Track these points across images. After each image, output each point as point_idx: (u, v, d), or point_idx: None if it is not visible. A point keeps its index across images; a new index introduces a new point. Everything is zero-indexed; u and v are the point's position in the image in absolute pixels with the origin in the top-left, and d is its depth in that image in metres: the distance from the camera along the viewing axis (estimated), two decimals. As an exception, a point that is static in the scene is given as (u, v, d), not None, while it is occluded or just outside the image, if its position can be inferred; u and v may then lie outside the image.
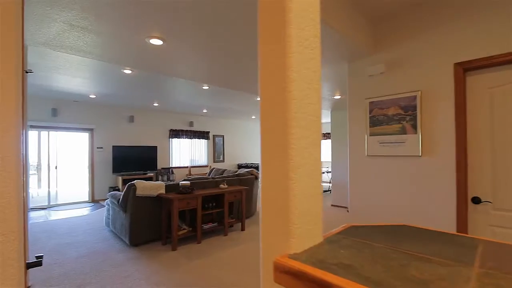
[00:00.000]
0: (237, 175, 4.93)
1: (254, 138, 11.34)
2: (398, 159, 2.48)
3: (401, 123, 2.46)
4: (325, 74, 3.52)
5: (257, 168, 9.51)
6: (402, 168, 2.45)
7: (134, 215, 3.53)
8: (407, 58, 2.44)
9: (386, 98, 2.57)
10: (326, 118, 9.84)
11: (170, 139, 8.58)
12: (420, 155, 2.35)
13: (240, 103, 6.96)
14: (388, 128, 2.55)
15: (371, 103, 2.67)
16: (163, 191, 3.70)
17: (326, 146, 11.79)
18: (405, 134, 2.45)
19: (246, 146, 11.00)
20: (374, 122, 2.64)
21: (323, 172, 8.09)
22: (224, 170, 6.51)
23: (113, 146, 7.02)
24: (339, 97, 4.66)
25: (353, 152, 2.80)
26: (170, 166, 8.54)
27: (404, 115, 2.44)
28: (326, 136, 11.48)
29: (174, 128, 8.64)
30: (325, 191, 8.34)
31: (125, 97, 6.15)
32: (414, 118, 2.40)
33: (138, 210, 3.57)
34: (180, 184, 3.73)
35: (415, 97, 2.40)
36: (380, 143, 2.60)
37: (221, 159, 9.99)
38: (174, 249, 3.47)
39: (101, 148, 7.08)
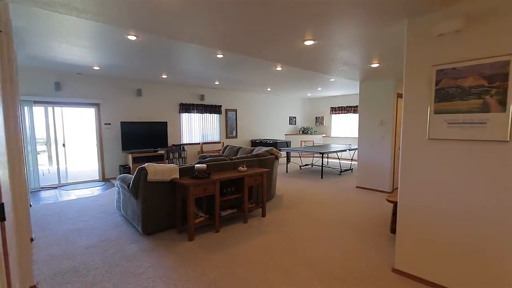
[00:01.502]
0: (256, 156, 4.49)
1: (269, 112, 10.75)
2: (475, 145, 1.95)
3: (483, 98, 1.90)
4: (362, 35, 2.88)
5: (272, 145, 9.06)
6: (481, 157, 1.92)
7: (146, 202, 3.19)
8: (498, 9, 1.80)
9: (462, 64, 1.98)
10: (351, 89, 9.08)
11: (180, 114, 8.12)
12: (509, 139, 1.81)
13: (256, 74, 6.34)
14: (463, 104, 1.99)
15: (439, 71, 2.08)
16: (177, 175, 3.31)
17: (349, 120, 11.15)
18: (488, 112, 1.90)
19: (260, 121, 10.47)
20: (442, 96, 2.08)
21: (344, 150, 7.59)
22: (239, 148, 6.08)
23: (121, 122, 6.63)
24: (376, 65, 4.00)
25: (407, 134, 2.27)
26: (181, 142, 8.18)
27: (488, 87, 1.86)
28: (350, 109, 10.78)
29: (184, 102, 8.14)
30: (344, 170, 7.88)
31: (131, 68, 5.62)
32: (502, 92, 1.83)
33: (150, 196, 3.21)
34: (195, 167, 3.32)
35: (506, 63, 1.81)
36: (449, 123, 2.05)
37: (234, 134, 9.55)
38: (191, 239, 3.15)
39: (109, 124, 6.71)
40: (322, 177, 6.86)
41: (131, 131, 6.79)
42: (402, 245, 2.40)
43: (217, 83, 7.55)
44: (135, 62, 5.04)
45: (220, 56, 4.43)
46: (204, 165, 3.36)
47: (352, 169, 8.07)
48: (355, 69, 4.49)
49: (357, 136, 11.07)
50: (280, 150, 7.93)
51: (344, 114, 11.11)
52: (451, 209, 2.06)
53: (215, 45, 3.27)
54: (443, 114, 2.04)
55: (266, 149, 4.91)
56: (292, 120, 11.92)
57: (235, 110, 9.54)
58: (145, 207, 3.18)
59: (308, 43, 3.02)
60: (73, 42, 3.81)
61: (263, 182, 3.89)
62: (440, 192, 2.10)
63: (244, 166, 3.80)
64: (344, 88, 8.72)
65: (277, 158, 4.79)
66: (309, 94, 10.59)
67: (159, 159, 7.08)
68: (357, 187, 5.85)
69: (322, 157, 6.83)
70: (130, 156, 6.64)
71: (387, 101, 5.26)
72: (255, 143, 9.81)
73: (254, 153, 5.32)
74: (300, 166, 8.50)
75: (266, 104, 10.66)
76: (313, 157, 10.03)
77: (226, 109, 9.24)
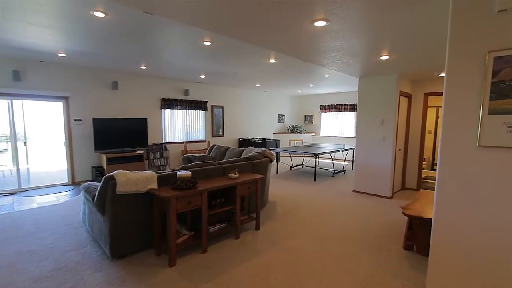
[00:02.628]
0: (248, 159, 3.95)
1: (257, 109, 10.21)
2: (549, 157, 1.50)
3: (561, 96, 1.44)
4: (382, 17, 2.41)
5: (260, 144, 8.54)
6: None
7: (115, 219, 2.57)
8: None
9: (532, 51, 1.52)
10: (343, 86, 8.69)
11: (162, 110, 7.42)
12: None
13: (246, 67, 5.78)
14: (531, 103, 1.53)
15: (497, 59, 1.62)
16: (155, 185, 2.71)
17: (339, 119, 10.79)
18: None
19: (248, 119, 9.91)
20: (501, 91, 1.62)
21: (338, 151, 7.20)
22: (227, 148, 5.51)
23: (93, 118, 5.87)
24: (386, 57, 3.55)
25: (449, 139, 1.81)
26: (163, 141, 7.49)
27: None
28: (340, 108, 10.43)
29: (166, 97, 7.44)
30: (337, 171, 7.50)
31: (104, 57, 4.89)
32: None
33: (120, 211, 2.60)
34: (177, 175, 2.73)
35: None
36: (510, 126, 1.60)
37: (220, 133, 8.95)
38: (172, 264, 2.57)
39: (80, 120, 5.93)
40: (315, 179, 6.43)
41: (106, 128, 6.04)
42: (435, 276, 1.94)
43: (202, 76, 6.91)
44: (109, 49, 4.34)
45: (207, 43, 3.84)
46: (188, 173, 2.78)
47: (345, 170, 7.71)
48: (359, 62, 4.04)
49: (347, 136, 10.93)
50: (270, 150, 7.44)
51: (334, 112, 10.77)
52: (508, 243, 1.61)
53: (205, 24, 2.68)
54: (502, 115, 1.59)
55: (258, 151, 4.38)
56: (280, 118, 11.45)
57: (222, 107, 8.94)
58: (113, 226, 2.57)
59: (319, 24, 2.50)
60: (31, 21, 3.09)
61: (257, 190, 3.36)
62: (492, 216, 1.65)
63: (236, 172, 3.25)
64: (336, 85, 8.33)
65: (271, 161, 4.27)
66: (299, 91, 10.15)
67: (137, 159, 6.37)
68: (354, 191, 5.45)
69: (316, 159, 6.38)
70: (104, 156, 5.90)
71: (389, 98, 4.86)
72: (242, 143, 9.25)
73: (244, 154, 4.78)
74: (290, 167, 8.05)
75: (255, 101, 10.12)
76: (303, 157, 9.61)
77: (212, 106, 8.61)
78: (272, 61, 4.97)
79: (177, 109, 7.67)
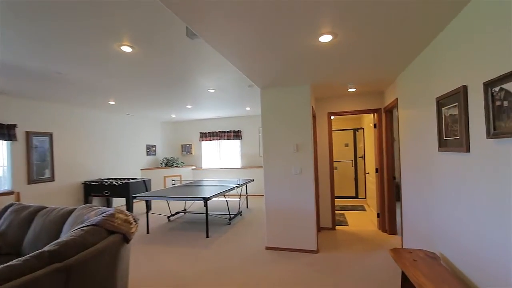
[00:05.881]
0: (50, 256, 1.53)
1: (117, 138, 7.29)
2: None
3: None
4: None
5: (120, 188, 5.81)
6: None
7: None
8: None
9: None
10: (226, 110, 7.21)
11: None
12: None
13: (83, 62, 3.35)
14: None
15: None
16: None
17: (223, 148, 9.25)
18: None
19: (101, 152, 6.84)
20: None
21: (232, 188, 5.52)
22: (37, 211, 2.72)
23: None
24: (328, 38, 2.18)
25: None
26: None
27: None
28: (223, 135, 8.96)
29: None
30: (233, 215, 5.79)
31: None
32: None
33: None
34: None
35: None
36: None
37: (47, 176, 5.52)
38: None
39: None
40: (207, 235, 4.41)
41: None
42: None
43: (-6, 78, 3.77)
44: None
45: None
46: None
47: (241, 211, 6.08)
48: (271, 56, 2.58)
49: (233, 167, 9.51)
50: (134, 198, 4.88)
51: (217, 140, 9.29)
52: None
53: None
54: None
55: (101, 214, 2.02)
56: (151, 150, 8.87)
57: (50, 135, 5.62)
58: None
59: None
60: None
61: None
62: None
63: None
64: (218, 108, 6.88)
65: (127, 239, 1.99)
66: (173, 115, 8.09)
67: None
68: (268, 248, 3.80)
69: (206, 206, 4.43)
70: None
71: (302, 116, 3.68)
72: (90, 187, 6.09)
73: (73, 223, 2.25)
74: (168, 216, 5.67)
75: (111, 126, 7.21)
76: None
77: (27, 132, 5.20)
78: (127, 49, 2.83)
79: None
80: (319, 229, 4.57)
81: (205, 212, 4.60)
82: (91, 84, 4.29)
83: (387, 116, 4.25)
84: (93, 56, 3.05)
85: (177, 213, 5.91)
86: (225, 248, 3.86)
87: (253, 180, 6.76)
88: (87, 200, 6.11)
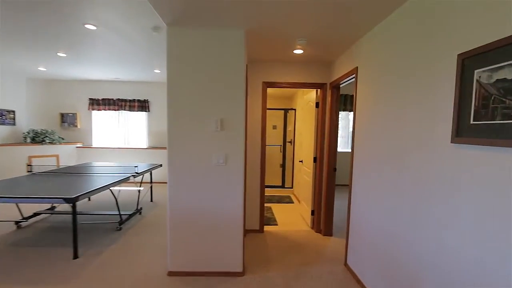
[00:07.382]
0: None
1: None
2: None
3: None
4: None
5: None
6: None
7: None
8: None
9: None
10: (135, 70, 5.24)
11: None
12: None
13: None
14: None
15: None
16: None
17: (123, 121, 7.11)
18: None
19: None
20: None
21: (127, 177, 3.89)
22: None
23: None
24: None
25: None
26: None
27: None
28: (131, 105, 6.83)
29: None
30: (127, 217, 4.24)
31: None
32: None
33: None
34: None
35: None
36: None
37: None
38: None
39: None
40: (76, 255, 2.81)
41: None
42: None
43: None
44: None
45: None
46: None
47: (141, 208, 4.52)
48: None
49: (139, 147, 7.41)
50: None
51: (115, 111, 7.15)
52: None
53: None
54: None
55: None
56: (6, 117, 6.11)
57: None
58: None
59: None
60: None
61: None
62: None
63: None
64: (116, 62, 4.94)
65: None
66: (41, 68, 5.59)
67: None
68: (171, 273, 2.52)
69: (74, 210, 2.78)
70: None
71: (231, 77, 2.42)
72: None
73: None
74: (17, 222, 3.67)
75: None
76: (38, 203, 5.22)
77: None
78: None
79: None
80: (245, 232, 3.54)
81: (72, 219, 2.90)
82: None
83: (333, 94, 3.42)
84: None
85: (35, 214, 3.93)
86: (102, 277, 2.39)
87: (161, 165, 5.24)
88: None
